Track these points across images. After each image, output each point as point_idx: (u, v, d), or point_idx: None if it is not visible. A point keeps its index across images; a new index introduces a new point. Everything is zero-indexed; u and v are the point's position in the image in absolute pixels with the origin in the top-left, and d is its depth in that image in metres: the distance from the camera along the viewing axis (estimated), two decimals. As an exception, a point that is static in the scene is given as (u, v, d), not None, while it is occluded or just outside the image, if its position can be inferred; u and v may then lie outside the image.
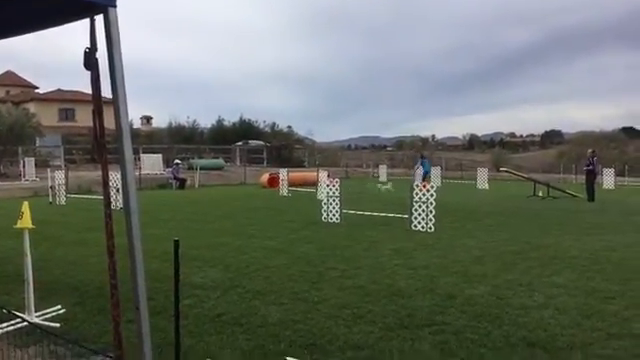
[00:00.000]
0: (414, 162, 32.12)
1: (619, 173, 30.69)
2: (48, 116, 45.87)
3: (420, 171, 28.43)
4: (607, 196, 21.40)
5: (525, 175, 27.06)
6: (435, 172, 30.04)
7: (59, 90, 53.24)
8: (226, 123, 58.53)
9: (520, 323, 5.32)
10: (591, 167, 20.05)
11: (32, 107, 45.93)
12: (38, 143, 40.13)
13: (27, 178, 27.84)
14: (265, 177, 27.50)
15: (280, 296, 6.32)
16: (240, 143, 49.62)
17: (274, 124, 59.09)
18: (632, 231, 11.77)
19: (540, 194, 21.01)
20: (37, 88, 57.69)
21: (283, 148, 51.69)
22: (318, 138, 66.49)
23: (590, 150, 21.80)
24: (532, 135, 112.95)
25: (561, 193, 21.06)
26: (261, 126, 58.95)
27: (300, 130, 63.62)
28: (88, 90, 2.35)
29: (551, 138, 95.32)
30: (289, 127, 59.61)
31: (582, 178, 22.32)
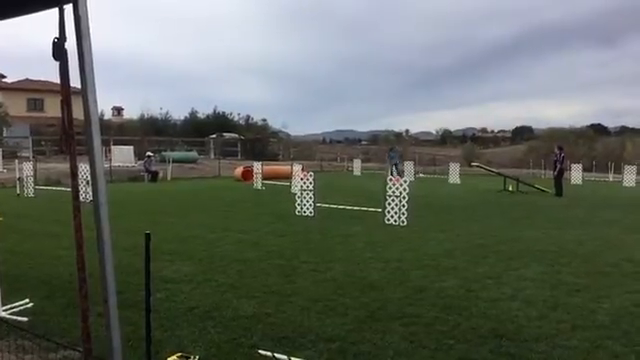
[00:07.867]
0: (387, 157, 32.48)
1: (587, 169, 31.42)
2: (16, 106, 44.75)
3: (394, 166, 28.95)
4: (575, 191, 21.88)
5: (495, 170, 27.48)
6: (408, 167, 30.30)
7: (27, 80, 51.94)
8: (200, 115, 58.09)
9: (489, 315, 5.43)
10: (557, 163, 20.25)
11: (-1, 97, 44.78)
12: (5, 133, 39.17)
13: (-6, 169, 27.18)
14: (239, 170, 27.35)
15: (253, 289, 6.32)
16: (214, 136, 49.21)
17: (249, 117, 58.94)
18: (599, 225, 12.09)
19: (510, 189, 21.38)
20: (4, 77, 56.02)
21: (257, 141, 51.47)
22: (293, 131, 66.65)
23: (557, 145, 22.05)
24: (503, 131, 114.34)
25: (530, 188, 21.47)
26: (235, 119, 58.68)
27: (275, 123, 63.56)
28: (57, 80, 2.30)
29: (521, 134, 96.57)
30: (264, 120, 59.52)
31: (551, 173, 22.67)
